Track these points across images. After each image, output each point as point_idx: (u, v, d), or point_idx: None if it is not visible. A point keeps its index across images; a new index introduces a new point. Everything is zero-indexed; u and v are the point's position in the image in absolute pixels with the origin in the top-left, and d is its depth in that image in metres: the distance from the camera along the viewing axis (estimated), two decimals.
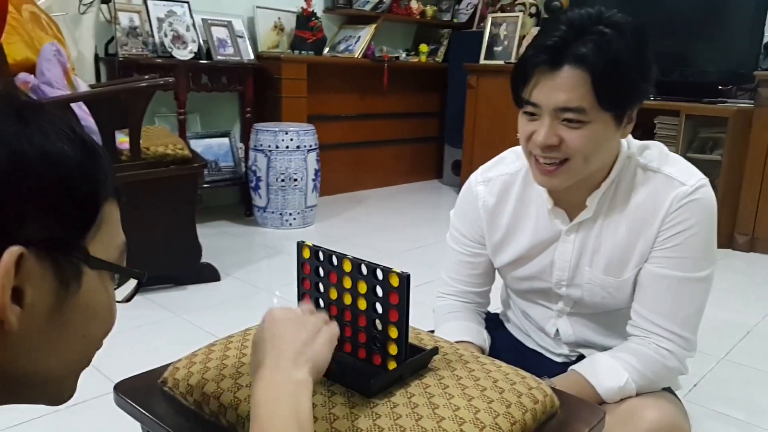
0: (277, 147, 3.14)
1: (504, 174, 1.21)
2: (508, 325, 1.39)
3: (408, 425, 0.77)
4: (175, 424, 0.89)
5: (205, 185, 3.25)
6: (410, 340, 1.00)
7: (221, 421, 0.86)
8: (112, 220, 0.55)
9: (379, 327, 0.88)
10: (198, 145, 3.30)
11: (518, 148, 1.19)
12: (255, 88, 3.43)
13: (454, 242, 1.29)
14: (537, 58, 0.97)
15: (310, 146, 3.23)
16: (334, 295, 0.93)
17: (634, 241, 1.08)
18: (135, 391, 0.99)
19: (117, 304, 0.60)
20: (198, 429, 0.87)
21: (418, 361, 0.91)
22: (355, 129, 4.23)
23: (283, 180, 3.18)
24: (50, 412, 1.58)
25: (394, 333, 0.87)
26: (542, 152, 1.02)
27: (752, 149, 3.20)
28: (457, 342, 1.20)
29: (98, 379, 1.75)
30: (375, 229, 3.44)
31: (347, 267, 0.90)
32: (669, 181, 1.06)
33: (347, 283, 0.90)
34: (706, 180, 1.07)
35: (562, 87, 0.96)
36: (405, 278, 0.84)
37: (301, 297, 0.98)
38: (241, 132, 3.53)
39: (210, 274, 2.50)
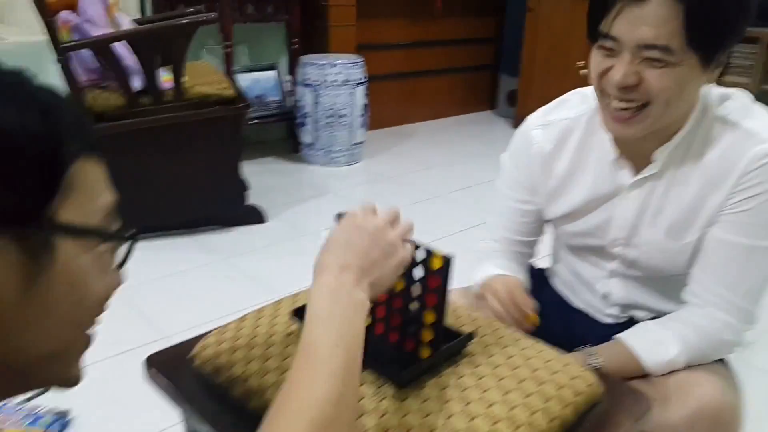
0: (324, 81, 3.04)
1: (565, 118, 1.10)
2: (554, 281, 1.32)
3: (438, 423, 0.73)
4: (203, 406, 0.87)
5: (252, 121, 3.21)
6: (447, 319, 0.96)
7: (249, 406, 0.83)
8: (89, 179, 0.50)
9: (415, 311, 0.82)
10: (245, 79, 3.24)
11: (585, 90, 1.08)
12: (302, 17, 3.30)
13: (507, 187, 1.21)
14: None
15: (359, 80, 3.12)
16: None
17: (702, 201, 0.99)
18: (165, 367, 0.96)
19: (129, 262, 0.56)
20: (225, 413, 0.85)
21: (453, 347, 0.85)
22: (406, 58, 4.06)
23: (330, 116, 3.10)
24: (98, 360, 1.62)
25: (430, 318, 0.81)
26: (618, 93, 0.91)
27: None
28: (496, 276, 1.15)
29: (145, 326, 1.79)
30: (424, 166, 3.35)
31: None
32: (749, 137, 0.94)
33: None
34: None
35: (649, 20, 0.84)
36: (448, 261, 0.77)
37: None
38: (289, 64, 3.43)
39: (256, 216, 2.49)
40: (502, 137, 1.18)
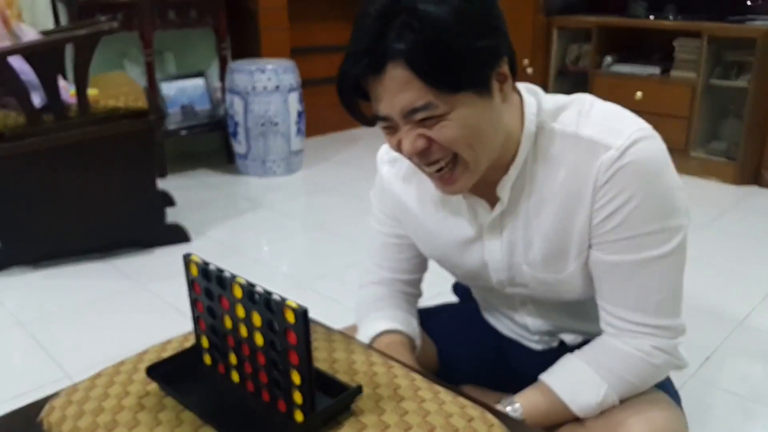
0: (253, 88, 2.88)
1: None
2: (483, 312, 1.21)
3: None
4: None
5: (181, 132, 3.03)
6: (340, 364, 0.83)
7: None
8: None
9: (281, 368, 0.69)
10: (171, 88, 3.06)
11: None
12: (231, 22, 3.14)
13: (377, 222, 1.12)
14: (356, 66, 0.78)
15: (291, 86, 2.97)
16: (228, 324, 0.75)
17: (567, 227, 0.89)
18: None
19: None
20: None
21: (333, 408, 0.72)
22: None
23: (262, 124, 2.94)
24: None
25: (297, 379, 0.69)
26: (420, 160, 0.84)
27: None
28: (385, 332, 1.04)
29: (48, 365, 1.63)
30: (367, 174, 3.21)
31: (237, 293, 0.72)
32: (591, 147, 0.84)
33: (240, 311, 0.73)
34: (642, 131, 0.83)
35: (395, 89, 0.77)
36: (301, 314, 0.65)
37: (196, 321, 0.80)
38: (220, 71, 3.26)
39: (178, 235, 2.32)
40: None
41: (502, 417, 0.80)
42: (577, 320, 1.04)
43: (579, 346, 1.02)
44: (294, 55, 3.33)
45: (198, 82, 3.13)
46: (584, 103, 0.89)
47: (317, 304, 1.85)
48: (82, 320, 1.84)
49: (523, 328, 1.09)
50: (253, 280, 0.71)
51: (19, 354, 1.69)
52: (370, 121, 0.84)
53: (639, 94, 3.10)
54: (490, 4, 0.80)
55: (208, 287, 0.75)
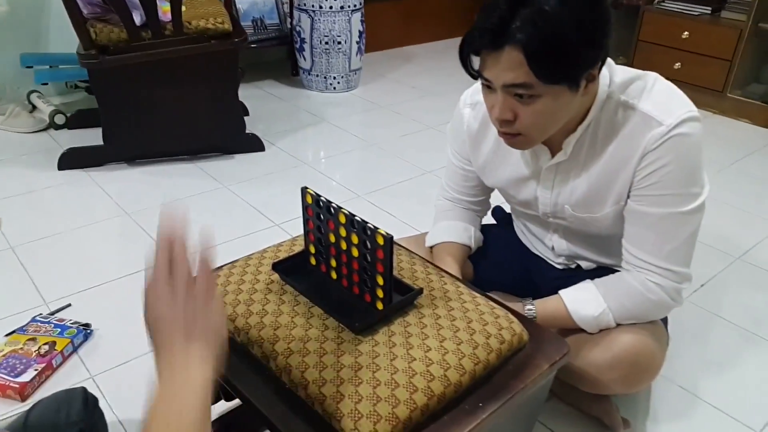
0: (321, 7, 3.08)
1: None
2: (515, 230, 1.49)
3: (383, 364, 0.92)
4: None
5: (251, 45, 3.27)
6: (405, 272, 1.14)
7: (237, 339, 1.03)
8: None
9: (369, 273, 1.00)
10: (244, 2, 3.27)
11: None
12: None
13: (450, 153, 1.37)
14: (480, 40, 0.97)
15: (355, 6, 3.15)
16: (332, 239, 1.05)
17: (611, 180, 1.12)
18: None
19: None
20: None
21: (403, 302, 1.04)
22: None
23: (326, 42, 3.16)
24: (114, 279, 1.82)
25: (380, 281, 0.99)
26: (500, 126, 1.05)
27: None
28: (443, 243, 1.35)
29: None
30: (420, 94, 3.42)
31: (342, 219, 1.01)
32: (646, 121, 1.05)
33: (342, 232, 1.02)
34: (689, 113, 1.04)
35: (505, 66, 0.96)
36: (388, 239, 0.94)
37: (306, 234, 1.11)
38: None
39: (255, 144, 2.63)
40: None
41: (521, 317, 1.08)
42: (594, 251, 1.31)
43: (592, 271, 1.31)
44: None
45: None
46: (648, 79, 1.09)
47: (371, 215, 2.14)
48: None
49: (549, 249, 1.36)
50: (314, 189, 1.00)
51: (129, 238, 2.05)
52: (474, 75, 1.03)
53: (685, 34, 3.18)
54: (607, 16, 0.96)
55: (319, 212, 1.05)
